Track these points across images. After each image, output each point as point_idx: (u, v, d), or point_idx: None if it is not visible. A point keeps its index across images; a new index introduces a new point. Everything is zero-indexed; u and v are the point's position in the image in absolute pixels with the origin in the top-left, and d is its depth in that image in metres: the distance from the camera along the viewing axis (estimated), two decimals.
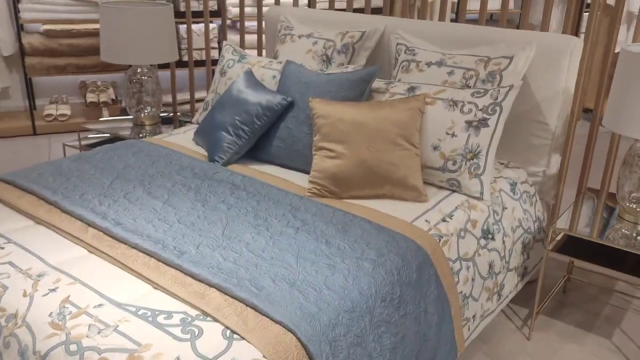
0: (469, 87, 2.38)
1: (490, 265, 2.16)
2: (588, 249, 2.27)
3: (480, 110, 2.22)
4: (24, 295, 1.52)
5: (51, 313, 1.45)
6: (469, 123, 2.22)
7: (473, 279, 2.05)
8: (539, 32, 2.53)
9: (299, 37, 2.96)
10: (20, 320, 1.46)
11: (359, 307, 1.57)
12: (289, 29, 3.05)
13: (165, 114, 3.60)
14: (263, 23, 3.58)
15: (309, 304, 1.51)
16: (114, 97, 4.80)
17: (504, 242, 2.24)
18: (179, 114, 3.69)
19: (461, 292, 1.98)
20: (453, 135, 2.22)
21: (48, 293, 1.52)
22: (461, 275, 1.99)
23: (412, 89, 2.37)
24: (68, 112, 4.61)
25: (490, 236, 2.17)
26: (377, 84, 2.48)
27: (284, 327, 1.43)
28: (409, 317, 1.70)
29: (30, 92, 4.52)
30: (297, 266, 1.65)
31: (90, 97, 4.67)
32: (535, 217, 2.47)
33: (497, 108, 2.22)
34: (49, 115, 4.55)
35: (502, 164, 2.53)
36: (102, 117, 4.37)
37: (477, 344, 2.25)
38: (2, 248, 1.72)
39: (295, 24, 3.08)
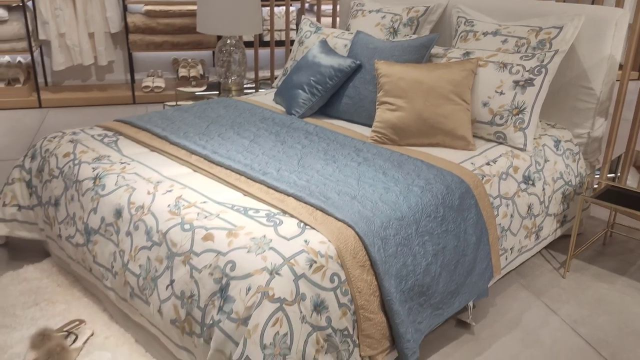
0: (519, 53, 2.67)
1: (529, 207, 2.45)
2: (629, 201, 2.49)
3: (527, 71, 2.51)
4: (148, 193, 1.98)
5: (169, 205, 1.90)
6: (516, 82, 2.51)
7: (512, 216, 2.36)
8: (588, 5, 2.77)
9: (369, 12, 3.33)
10: (146, 210, 1.92)
11: (407, 217, 1.93)
12: (361, 5, 3.42)
13: (249, 85, 4.06)
14: (338, 6, 3.97)
15: (366, 211, 1.88)
16: (202, 73, 5.33)
17: (543, 189, 2.52)
18: (260, 82, 4.14)
19: (500, 224, 2.30)
20: (501, 93, 2.53)
21: (165, 193, 1.97)
22: (500, 210, 2.30)
23: (467, 54, 2.69)
24: (163, 85, 5.18)
25: (530, 182, 2.46)
26: (436, 49, 2.81)
27: (345, 223, 1.81)
28: (450, 233, 2.04)
29: (131, 66, 5.12)
30: (358, 186, 2.03)
31: (182, 72, 5.23)
32: (577, 173, 2.73)
33: (543, 70, 2.50)
34: (147, 87, 5.14)
35: (549, 124, 2.80)
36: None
37: (514, 276, 2.55)
38: (128, 164, 2.21)
39: (366, 1, 3.44)
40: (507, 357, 2.07)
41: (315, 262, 1.65)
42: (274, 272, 1.59)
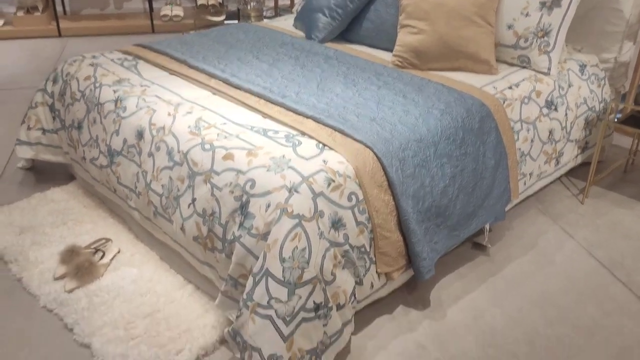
0: None
1: (551, 132, 2.42)
2: None
3: None
4: (168, 115, 2.00)
5: (189, 126, 1.93)
6: (542, 4, 2.43)
7: (532, 141, 2.34)
8: None
9: None
10: (167, 131, 1.95)
11: (425, 139, 1.93)
12: None
13: (268, 12, 3.99)
14: None
15: (384, 132, 1.88)
16: (221, 1, 5.23)
17: (566, 114, 2.48)
18: (280, 9, 4.07)
19: (519, 149, 2.29)
20: (527, 14, 2.45)
21: (186, 114, 1.99)
22: (521, 135, 2.28)
23: None
24: (181, 14, 5.11)
25: (553, 107, 2.42)
26: None
27: (363, 144, 1.82)
28: (469, 156, 2.04)
29: None
30: (377, 109, 2.03)
31: (201, 0, 5.13)
32: (602, 99, 2.67)
33: None
34: (165, 15, 5.08)
35: (575, 49, 2.72)
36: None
37: (532, 202, 2.56)
38: (149, 87, 2.22)
39: None
40: (522, 278, 2.11)
41: (334, 181, 1.68)
42: (292, 189, 1.62)
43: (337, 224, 1.67)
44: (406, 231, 1.83)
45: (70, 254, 2.05)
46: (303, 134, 1.87)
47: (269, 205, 1.61)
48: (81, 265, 1.99)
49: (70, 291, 1.95)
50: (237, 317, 1.59)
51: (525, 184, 2.39)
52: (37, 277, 2.00)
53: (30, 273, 2.02)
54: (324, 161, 1.72)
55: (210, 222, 1.75)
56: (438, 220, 1.96)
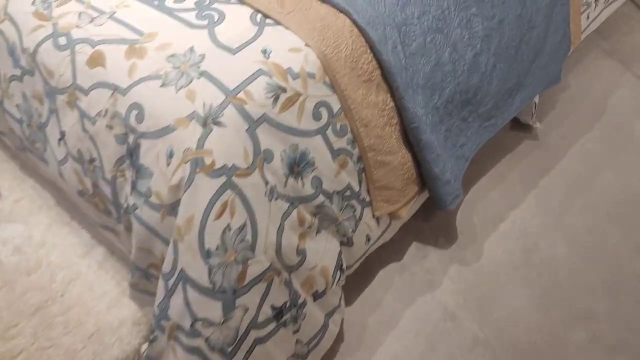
0: None
1: None
2: None
3: None
4: None
5: (34, 1, 1.13)
6: None
7: None
8: None
9: None
10: (2, 14, 1.16)
11: None
12: None
13: None
14: None
15: None
16: None
17: None
18: None
19: None
20: None
21: None
22: None
23: None
24: None
25: None
26: None
27: (333, 6, 1.04)
28: None
29: None
30: None
31: None
32: None
33: None
34: None
35: None
36: None
37: (594, 39, 1.77)
38: None
39: None
40: (590, 170, 1.45)
41: (284, 89, 0.94)
42: (209, 120, 0.89)
43: (298, 165, 0.97)
44: (417, 145, 1.13)
45: None
46: None
47: (170, 153, 0.91)
48: None
49: None
50: (151, 341, 0.97)
51: (588, 17, 1.59)
52: None
53: None
54: (265, 51, 0.96)
55: (92, 173, 1.06)
56: (465, 111, 1.24)
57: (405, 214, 1.19)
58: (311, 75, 0.97)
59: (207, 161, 0.88)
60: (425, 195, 1.26)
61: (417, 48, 1.09)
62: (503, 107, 1.34)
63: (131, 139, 0.95)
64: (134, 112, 0.94)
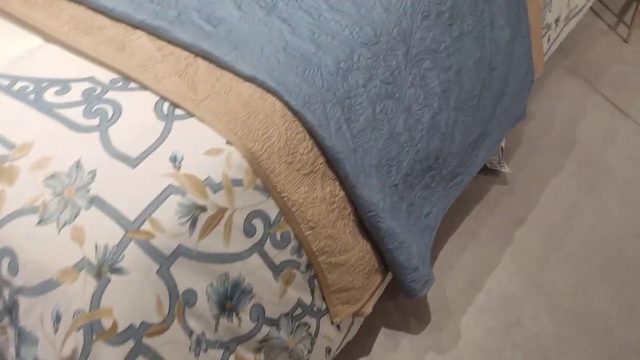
0: None
1: None
2: None
3: None
4: None
5: None
6: None
7: None
8: None
9: None
10: None
11: (385, 33, 0.93)
12: None
13: None
14: None
15: (299, 41, 0.88)
16: None
17: None
18: None
19: None
20: None
21: None
22: None
23: None
24: None
25: None
26: None
27: (259, 86, 0.83)
28: (467, 38, 1.06)
29: None
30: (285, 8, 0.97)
31: None
32: None
33: None
34: None
35: None
36: None
37: (554, 56, 1.62)
38: None
39: None
40: (566, 212, 1.29)
41: (203, 208, 0.74)
42: (104, 268, 0.68)
43: (230, 299, 0.77)
44: (376, 235, 0.94)
45: None
46: (125, 79, 0.85)
47: (57, 317, 0.69)
48: None
49: None
50: None
51: (549, 39, 1.43)
52: None
53: None
54: (175, 159, 0.75)
55: None
56: (427, 178, 1.06)
57: (371, 307, 1.01)
58: (237, 182, 0.77)
59: (106, 324, 0.67)
60: (390, 275, 1.08)
61: (365, 123, 0.90)
62: (468, 162, 1.17)
63: (6, 293, 0.73)
64: (6, 261, 0.71)
